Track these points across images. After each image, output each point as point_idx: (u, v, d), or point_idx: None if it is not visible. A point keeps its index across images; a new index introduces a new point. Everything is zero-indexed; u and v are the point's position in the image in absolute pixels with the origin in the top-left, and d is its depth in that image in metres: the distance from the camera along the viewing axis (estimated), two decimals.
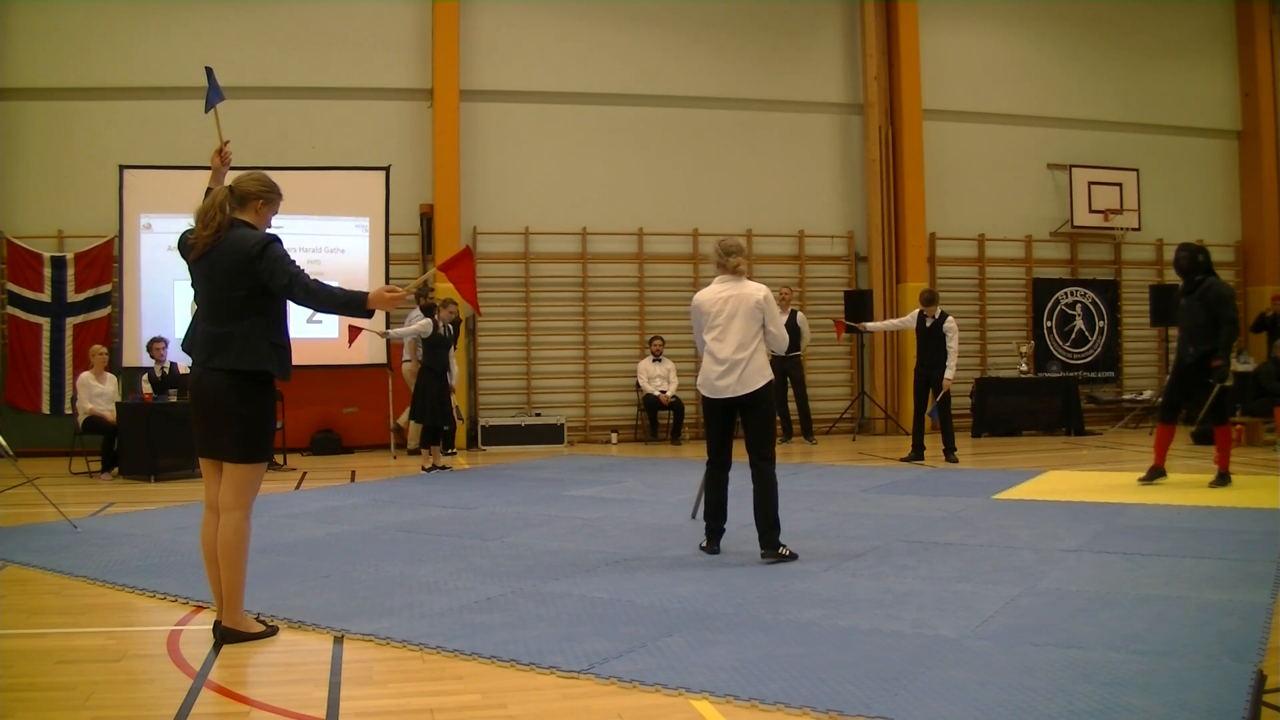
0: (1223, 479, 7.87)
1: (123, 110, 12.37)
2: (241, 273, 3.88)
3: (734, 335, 5.41)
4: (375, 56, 12.98)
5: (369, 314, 4.06)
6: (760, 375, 5.39)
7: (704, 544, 5.62)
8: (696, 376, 13.92)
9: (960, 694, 3.22)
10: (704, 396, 5.56)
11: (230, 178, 4.18)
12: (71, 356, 11.88)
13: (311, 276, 3.98)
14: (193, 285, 4.08)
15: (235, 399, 3.92)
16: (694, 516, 5.74)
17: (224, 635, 3.98)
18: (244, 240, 3.92)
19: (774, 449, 5.45)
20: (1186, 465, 9.84)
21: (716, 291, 5.54)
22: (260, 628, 4.08)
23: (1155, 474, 8.01)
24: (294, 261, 3.95)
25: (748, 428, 5.47)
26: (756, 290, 5.49)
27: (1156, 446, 8.09)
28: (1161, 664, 3.48)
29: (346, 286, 11.94)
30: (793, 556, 5.29)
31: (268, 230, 4.08)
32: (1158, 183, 15.25)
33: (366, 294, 3.97)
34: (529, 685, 3.45)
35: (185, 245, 4.06)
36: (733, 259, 5.56)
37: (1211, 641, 3.73)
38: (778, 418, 12.77)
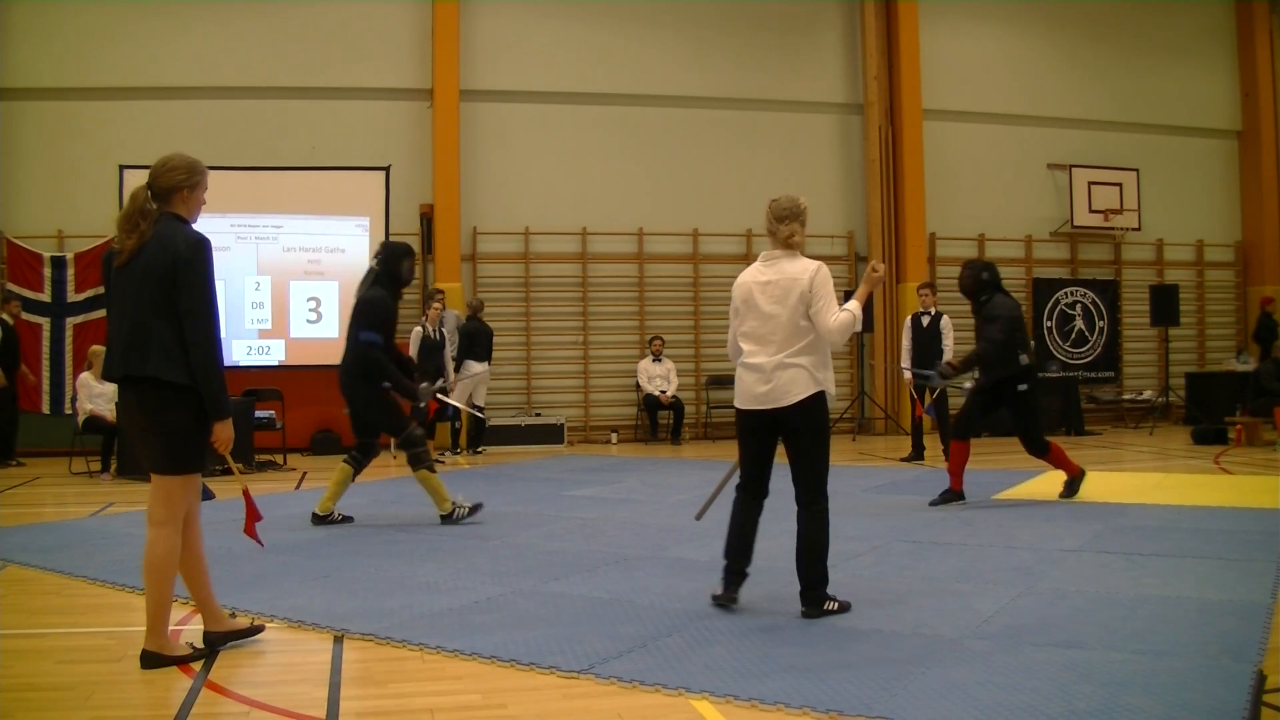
0: (947, 496, 7.25)
1: (123, 110, 12.37)
2: (169, 271, 3.57)
3: (772, 333, 4.23)
4: (375, 56, 12.98)
5: (218, 413, 3.69)
6: (804, 383, 4.17)
7: (718, 592, 4.36)
8: (704, 379, 13.76)
9: (960, 694, 3.22)
10: (736, 409, 4.41)
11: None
12: (71, 357, 11.88)
13: (220, 332, 3.71)
14: (110, 301, 3.74)
15: (157, 407, 3.62)
16: (698, 518, 5.12)
17: (144, 657, 3.66)
18: (174, 237, 3.61)
19: (824, 479, 4.25)
20: (1187, 465, 9.86)
21: (754, 275, 4.35)
22: (187, 650, 3.77)
23: (951, 497, 7.21)
24: (213, 291, 3.66)
25: (791, 452, 4.28)
26: (802, 271, 4.22)
27: (953, 469, 7.23)
28: (1161, 664, 3.48)
29: (346, 288, 12.04)
30: (843, 608, 4.24)
31: (198, 221, 3.79)
32: (1158, 183, 15.24)
33: (229, 413, 3.70)
34: (529, 685, 3.45)
35: (109, 260, 3.73)
36: (785, 227, 4.31)
37: (1211, 641, 3.73)
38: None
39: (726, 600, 4.34)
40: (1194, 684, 3.27)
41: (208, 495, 3.99)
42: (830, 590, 4.26)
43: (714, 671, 3.50)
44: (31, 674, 3.67)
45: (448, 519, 6.72)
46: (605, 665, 3.58)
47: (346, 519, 6.85)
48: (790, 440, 4.28)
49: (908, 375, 7.09)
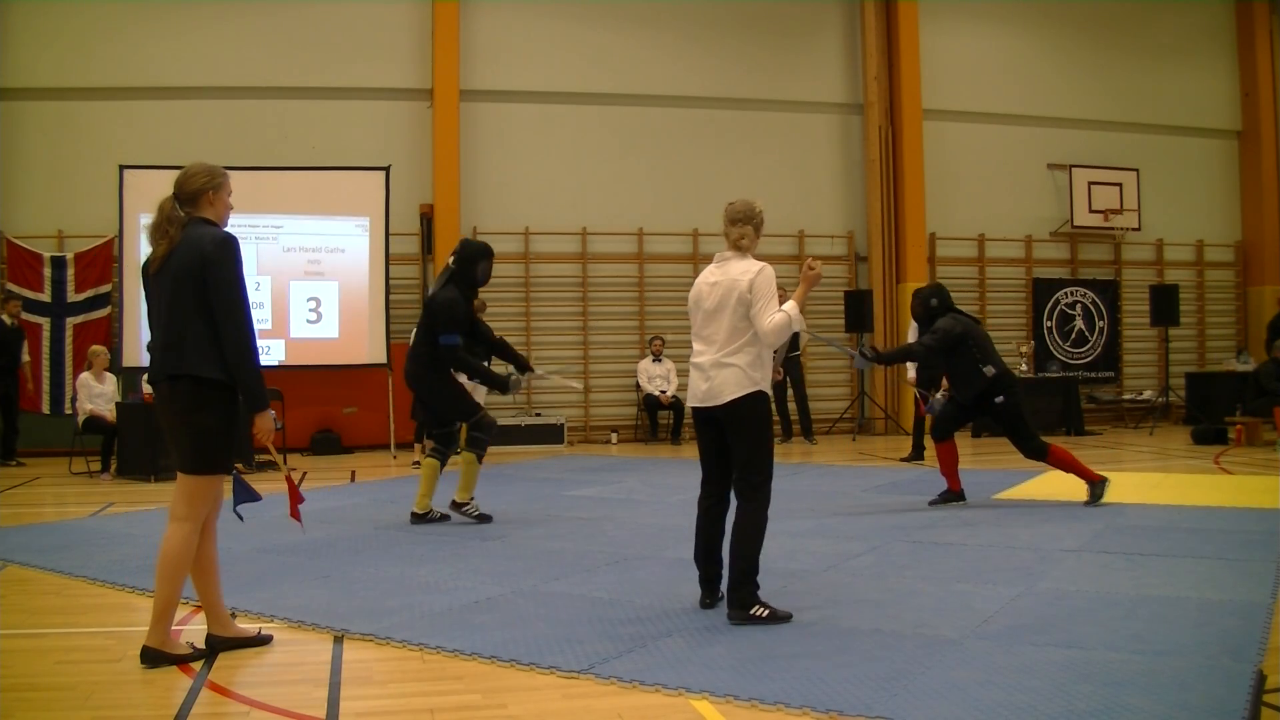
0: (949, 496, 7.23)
1: (123, 110, 12.37)
2: (198, 271, 3.67)
3: (715, 333, 4.29)
4: (375, 56, 12.98)
5: (255, 406, 3.75)
6: (737, 383, 4.19)
7: (701, 598, 4.42)
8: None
9: (960, 694, 3.21)
10: (689, 407, 4.47)
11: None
12: (71, 356, 11.88)
13: (255, 327, 3.79)
14: (149, 309, 3.87)
15: (189, 404, 3.69)
16: None
17: (145, 654, 3.68)
18: (201, 238, 3.72)
19: (764, 478, 4.23)
20: (1187, 465, 9.86)
21: (705, 276, 4.44)
22: (187, 649, 3.78)
23: (951, 497, 7.23)
24: (243, 286, 3.73)
25: (731, 449, 4.30)
26: (744, 272, 4.25)
27: (946, 471, 7.24)
28: (1161, 664, 3.48)
29: (346, 288, 12.05)
30: (778, 617, 4.11)
31: (228, 222, 3.90)
32: (1158, 183, 15.24)
33: (267, 405, 3.78)
34: (529, 685, 3.45)
35: (146, 269, 3.87)
36: (735, 230, 4.38)
37: (1211, 641, 3.73)
38: (776, 426, 12.71)
39: (708, 604, 4.40)
40: (1194, 684, 3.26)
41: (255, 498, 4.01)
42: (763, 595, 4.17)
43: (714, 671, 3.50)
44: (31, 674, 3.67)
45: (457, 508, 6.77)
46: (605, 665, 3.58)
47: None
48: (729, 438, 4.30)
49: (853, 355, 7.07)
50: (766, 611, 4.11)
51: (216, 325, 3.68)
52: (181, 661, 3.70)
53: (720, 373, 4.23)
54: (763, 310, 4.18)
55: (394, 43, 13.04)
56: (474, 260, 6.70)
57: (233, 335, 3.68)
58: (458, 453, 6.98)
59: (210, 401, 3.71)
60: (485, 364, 7.12)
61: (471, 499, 6.79)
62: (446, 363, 6.63)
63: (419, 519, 6.78)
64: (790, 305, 4.24)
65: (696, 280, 4.49)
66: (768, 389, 4.29)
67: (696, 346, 4.40)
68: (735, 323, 4.23)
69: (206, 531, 3.86)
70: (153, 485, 9.16)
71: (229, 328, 3.68)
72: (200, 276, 3.67)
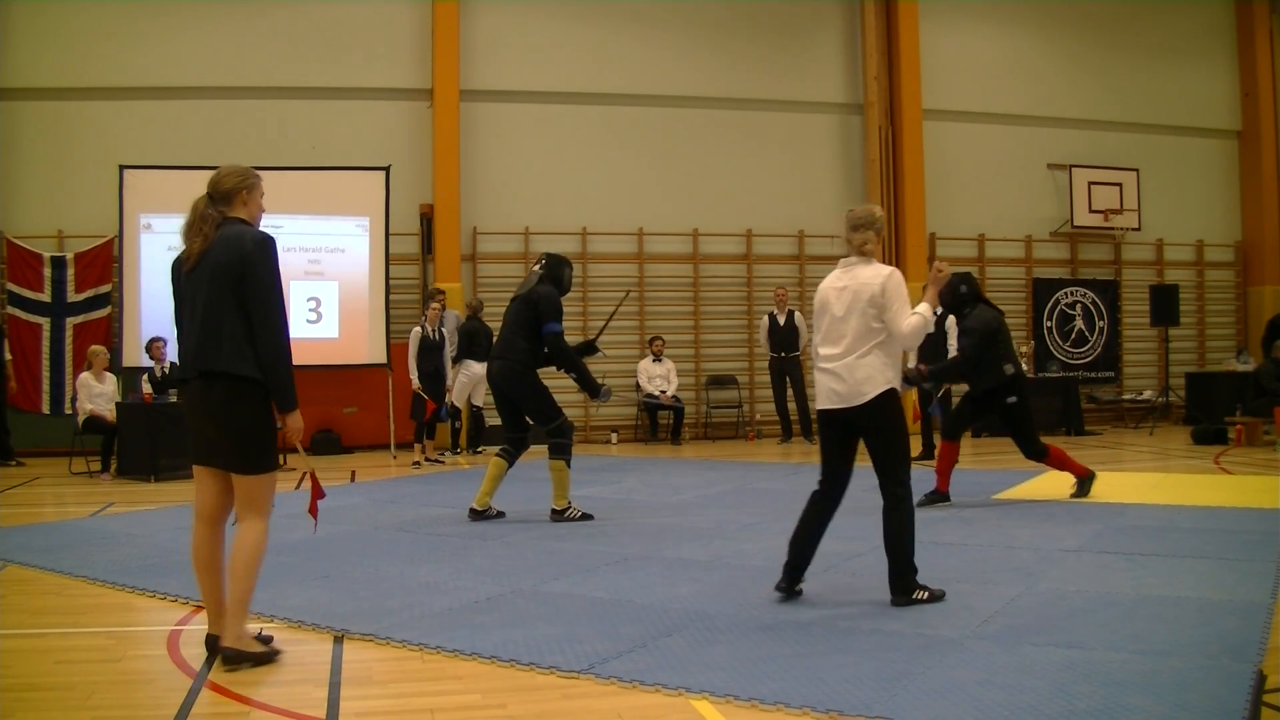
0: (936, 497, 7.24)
1: (123, 110, 12.38)
2: (237, 269, 3.67)
3: (845, 336, 4.42)
4: (375, 56, 12.99)
5: (287, 405, 3.77)
6: (873, 381, 4.36)
7: (779, 582, 4.58)
8: (704, 379, 13.59)
9: (960, 694, 3.22)
10: (817, 409, 4.65)
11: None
12: (71, 356, 11.88)
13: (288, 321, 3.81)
14: (179, 303, 3.85)
15: (224, 402, 3.69)
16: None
17: (226, 656, 3.67)
18: (241, 236, 3.72)
19: (905, 472, 4.48)
20: (1187, 465, 9.86)
21: (832, 280, 4.57)
22: (261, 648, 3.78)
23: (937, 498, 7.24)
24: (278, 289, 3.75)
25: (869, 448, 4.52)
26: (874, 276, 4.42)
27: (941, 469, 7.27)
28: (1161, 664, 3.48)
29: (346, 288, 12.05)
30: (935, 597, 4.41)
31: (260, 222, 3.91)
32: (1158, 183, 15.25)
33: (295, 402, 3.78)
34: (529, 685, 3.45)
35: (177, 266, 3.87)
36: (858, 235, 4.52)
37: (1211, 641, 3.73)
38: (776, 427, 12.78)
39: (779, 588, 4.56)
40: (1194, 684, 3.26)
41: None
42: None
43: (714, 671, 3.50)
44: (31, 674, 3.67)
45: (559, 515, 6.87)
46: (605, 665, 3.58)
47: (499, 514, 6.99)
48: (866, 437, 4.49)
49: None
50: (926, 594, 4.40)
51: (252, 324, 3.69)
52: (260, 660, 3.69)
53: (856, 374, 4.39)
54: (899, 313, 4.37)
55: (394, 43, 13.04)
56: (561, 266, 7.12)
57: (268, 334, 3.70)
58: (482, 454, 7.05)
59: (245, 400, 3.71)
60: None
61: (569, 504, 6.90)
62: (550, 355, 6.85)
63: (478, 515, 6.89)
64: (924, 307, 4.47)
65: (821, 285, 4.64)
66: (899, 386, 4.47)
67: (824, 351, 4.51)
68: (868, 324, 4.39)
69: (218, 530, 3.86)
70: (153, 485, 9.16)
71: (265, 327, 3.70)
72: (239, 274, 3.68)
